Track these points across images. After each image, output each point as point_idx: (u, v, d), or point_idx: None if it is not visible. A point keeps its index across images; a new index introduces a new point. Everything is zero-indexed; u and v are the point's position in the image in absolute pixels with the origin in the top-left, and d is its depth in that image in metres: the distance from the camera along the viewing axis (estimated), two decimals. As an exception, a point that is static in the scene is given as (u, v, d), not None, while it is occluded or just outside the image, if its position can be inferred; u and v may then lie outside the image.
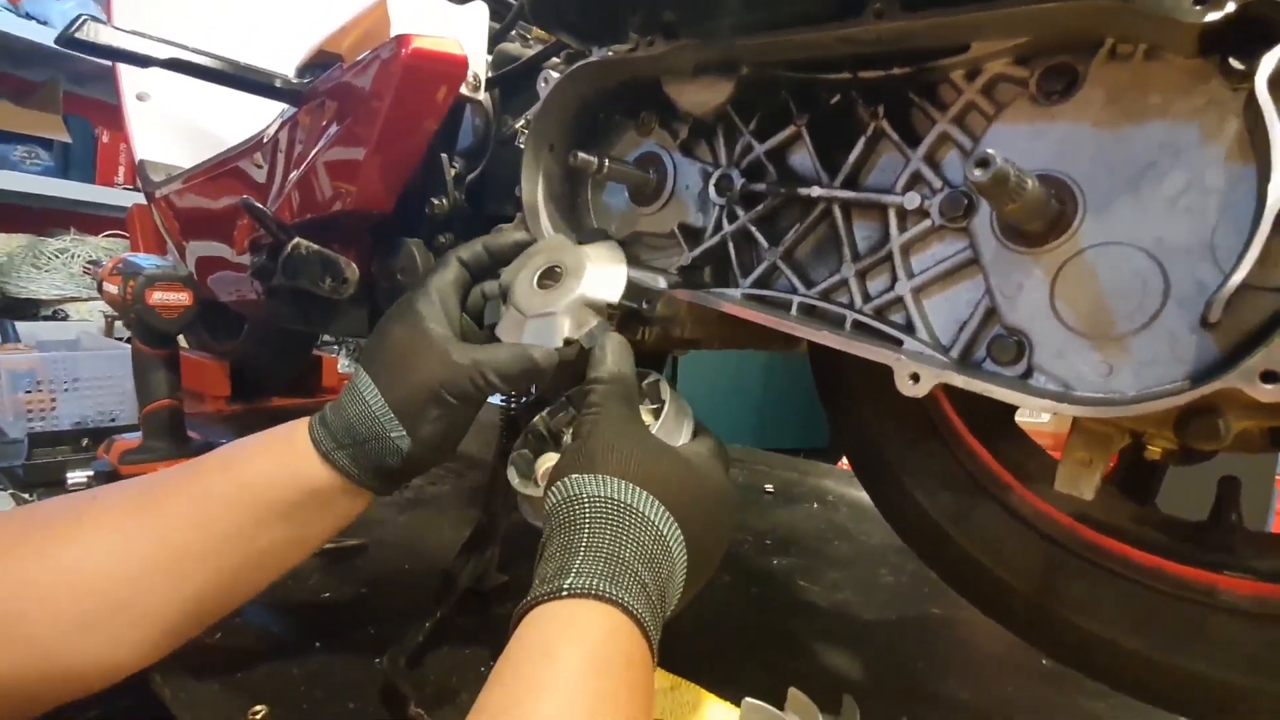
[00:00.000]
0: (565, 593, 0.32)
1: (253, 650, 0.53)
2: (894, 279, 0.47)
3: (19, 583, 0.40)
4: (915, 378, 0.41)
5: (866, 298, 0.49)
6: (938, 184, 0.45)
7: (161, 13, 1.02)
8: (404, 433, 0.46)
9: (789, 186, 0.52)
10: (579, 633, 0.31)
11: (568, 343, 0.49)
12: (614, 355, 0.47)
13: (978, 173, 0.32)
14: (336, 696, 0.48)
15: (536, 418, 0.54)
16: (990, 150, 0.32)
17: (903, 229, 0.47)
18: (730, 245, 0.55)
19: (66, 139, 2.44)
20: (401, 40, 0.53)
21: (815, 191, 0.50)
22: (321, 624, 0.58)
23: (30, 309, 2.39)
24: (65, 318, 2.45)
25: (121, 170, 2.76)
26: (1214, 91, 0.35)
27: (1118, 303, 0.38)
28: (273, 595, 0.62)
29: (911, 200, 0.45)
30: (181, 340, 0.92)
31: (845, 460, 2.19)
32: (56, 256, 2.47)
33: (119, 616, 0.41)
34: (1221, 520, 0.45)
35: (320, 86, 0.64)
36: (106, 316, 1.94)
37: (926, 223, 0.45)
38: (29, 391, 1.11)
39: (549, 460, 0.49)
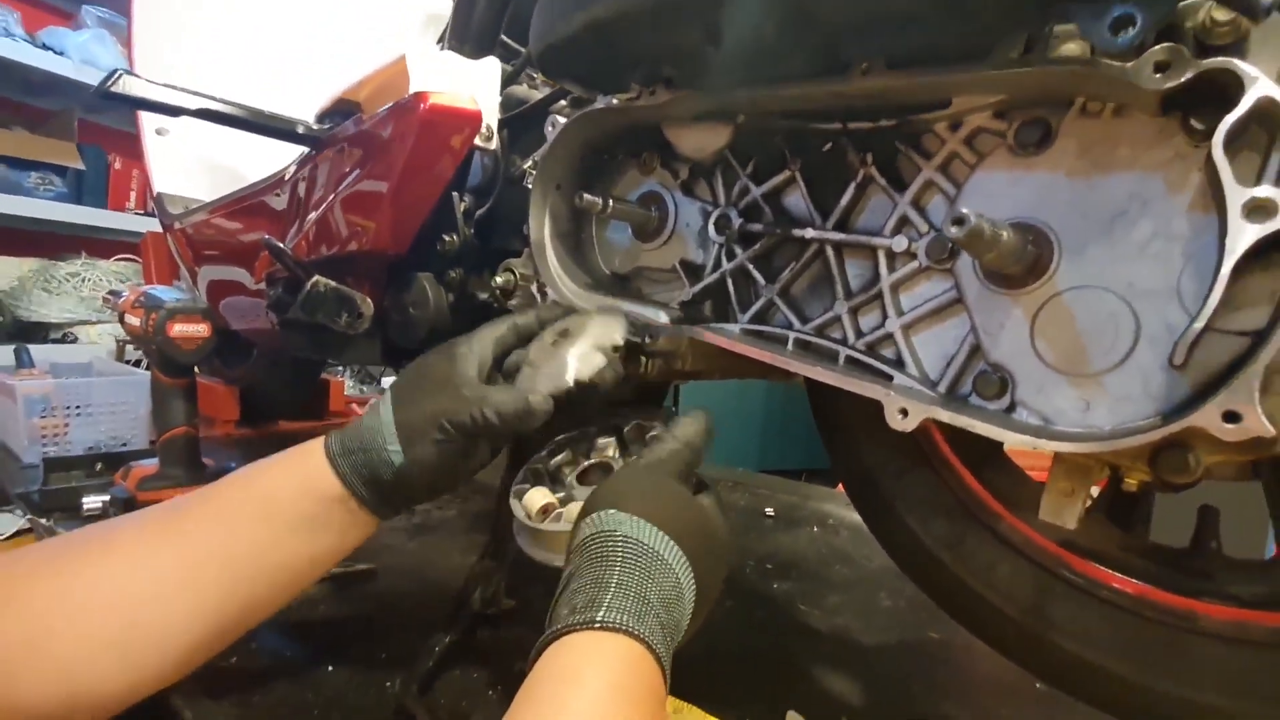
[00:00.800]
0: (597, 625, 0.34)
1: (268, 675, 0.55)
2: (884, 316, 0.50)
3: (46, 604, 0.42)
4: (904, 412, 0.44)
5: (859, 334, 0.51)
6: (924, 227, 0.48)
7: (180, 56, 1.06)
8: (399, 448, 0.48)
9: (784, 227, 0.54)
10: (607, 662, 0.33)
11: (578, 384, 0.52)
12: (694, 429, 0.50)
13: (955, 230, 0.34)
14: (349, 721, 0.50)
15: (535, 457, 0.57)
16: (965, 210, 0.34)
17: (892, 269, 0.49)
18: (729, 282, 0.58)
19: (80, 166, 2.49)
20: (420, 96, 0.57)
21: (809, 233, 0.53)
22: (334, 648, 0.59)
23: (41, 332, 2.43)
24: (75, 340, 2.48)
25: (133, 195, 2.82)
26: (1178, 147, 0.38)
27: (1093, 342, 0.41)
28: (285, 620, 0.64)
29: (899, 243, 0.48)
30: (194, 367, 0.94)
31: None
32: (67, 280, 2.51)
33: (139, 633, 0.43)
34: (1201, 547, 0.47)
35: (341, 134, 0.67)
36: (118, 341, 1.97)
37: (914, 264, 0.48)
38: (43, 416, 1.14)
39: (539, 497, 0.52)
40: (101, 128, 2.74)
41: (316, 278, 0.64)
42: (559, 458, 0.57)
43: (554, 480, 0.56)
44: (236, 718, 0.49)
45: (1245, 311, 0.35)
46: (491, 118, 0.63)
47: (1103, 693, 0.46)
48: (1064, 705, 0.55)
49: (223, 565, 0.45)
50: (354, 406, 1.60)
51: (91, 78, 2.31)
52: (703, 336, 0.56)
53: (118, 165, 2.75)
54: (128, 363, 2.04)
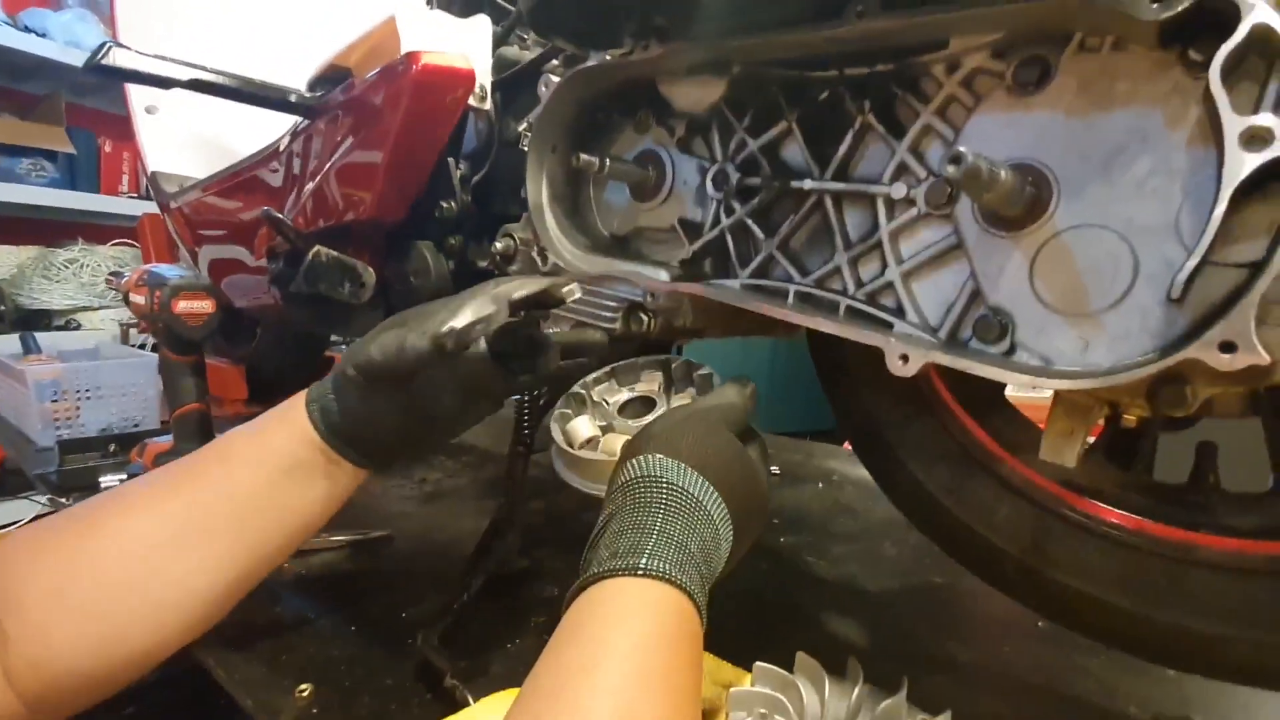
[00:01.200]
0: (640, 571, 0.35)
1: (293, 636, 0.57)
2: (884, 265, 0.50)
3: (71, 554, 0.43)
4: (905, 358, 0.44)
5: (859, 283, 0.51)
6: (922, 174, 0.47)
7: (165, 27, 1.05)
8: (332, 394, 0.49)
9: (782, 180, 0.54)
10: (651, 607, 0.34)
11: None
12: (744, 388, 0.51)
13: (951, 169, 0.34)
14: (375, 675, 0.51)
15: (580, 382, 0.57)
16: (962, 148, 0.34)
17: (891, 217, 0.49)
18: (728, 238, 0.58)
19: (71, 150, 2.47)
20: (412, 57, 0.56)
21: (807, 184, 0.52)
22: (355, 610, 0.61)
23: (43, 320, 2.43)
24: (78, 327, 2.49)
25: (125, 179, 2.80)
26: (1176, 80, 0.38)
27: (1092, 281, 0.41)
28: (306, 585, 0.66)
29: (898, 190, 0.48)
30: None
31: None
32: (66, 267, 2.51)
33: (160, 579, 0.44)
34: (1200, 482, 0.47)
35: (333, 100, 0.66)
36: (122, 325, 1.97)
37: (913, 211, 0.48)
38: (54, 400, 1.15)
39: (584, 428, 0.53)
40: (89, 110, 2.71)
41: (318, 248, 0.64)
42: (602, 386, 0.58)
43: (594, 407, 0.57)
44: (264, 674, 0.51)
45: (1243, 244, 0.35)
46: (485, 77, 0.62)
47: (1103, 625, 0.47)
48: (1063, 641, 0.57)
49: (229, 509, 0.47)
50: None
51: (76, 59, 2.28)
52: (698, 292, 0.56)
53: (108, 148, 2.72)
54: (133, 346, 2.05)
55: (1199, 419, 0.48)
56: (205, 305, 0.79)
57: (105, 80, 0.61)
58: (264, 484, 0.48)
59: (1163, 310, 0.39)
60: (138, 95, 1.13)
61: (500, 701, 0.46)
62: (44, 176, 2.43)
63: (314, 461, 0.49)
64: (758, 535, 0.45)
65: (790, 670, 0.49)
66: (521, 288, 0.52)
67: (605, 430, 0.53)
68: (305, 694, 0.49)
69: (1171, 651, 0.45)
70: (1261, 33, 0.32)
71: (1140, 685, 0.52)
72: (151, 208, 2.47)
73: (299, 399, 0.50)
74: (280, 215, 0.64)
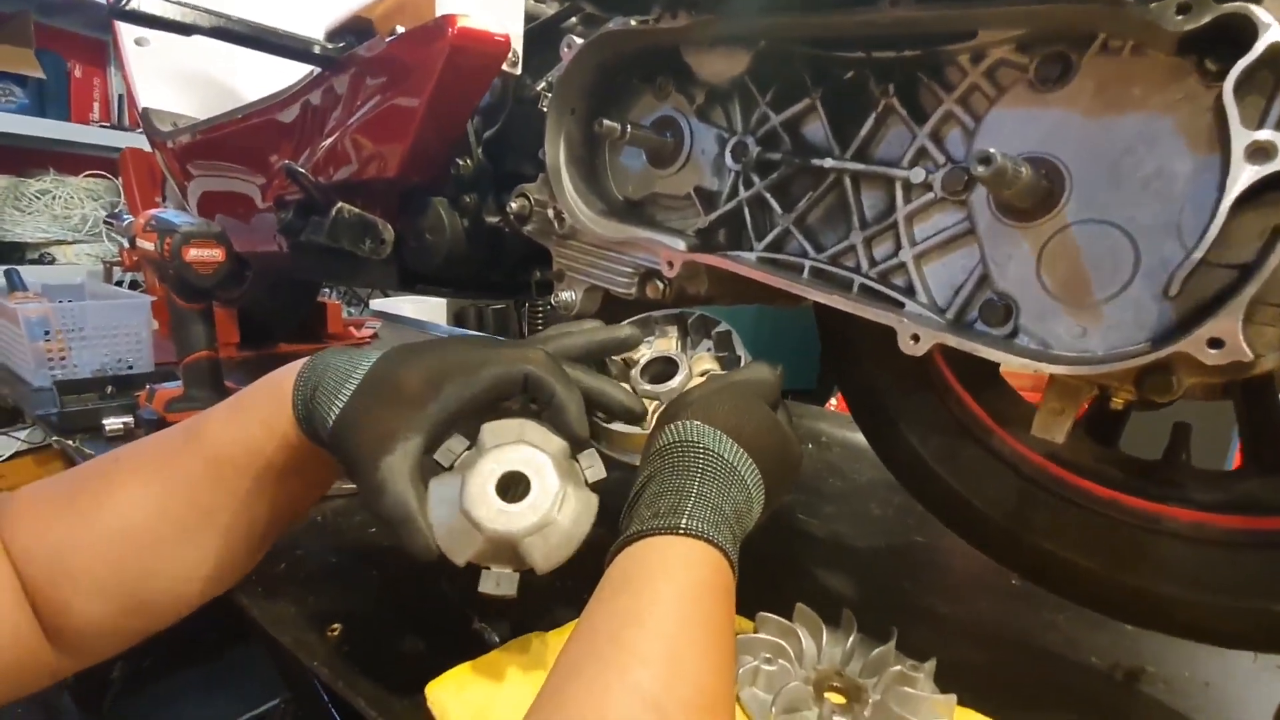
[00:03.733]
0: (681, 530, 0.37)
1: (319, 580, 0.60)
2: (898, 246, 0.52)
3: (70, 536, 0.44)
4: (916, 338, 0.47)
5: (872, 262, 0.54)
6: (941, 159, 0.49)
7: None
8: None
9: (803, 157, 0.56)
10: (694, 563, 0.37)
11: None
12: (775, 371, 0.52)
13: (981, 169, 0.37)
14: (404, 616, 0.55)
15: None
16: (990, 149, 0.36)
17: (907, 200, 0.51)
18: (746, 210, 0.60)
19: (40, 75, 2.36)
20: (449, 20, 0.55)
21: (828, 163, 0.54)
22: (376, 557, 0.64)
23: (17, 253, 2.37)
24: (52, 261, 2.43)
25: (96, 107, 2.68)
26: (1190, 88, 0.40)
27: (1094, 273, 0.44)
28: (324, 534, 0.69)
29: (917, 175, 0.50)
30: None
31: (833, 401, 2.28)
32: (38, 198, 2.42)
33: (165, 570, 0.46)
34: (1173, 460, 0.52)
35: (359, 55, 0.65)
36: (105, 263, 1.93)
37: (929, 195, 0.50)
38: (46, 339, 1.14)
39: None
40: (58, 31, 2.57)
41: (341, 204, 0.65)
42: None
43: (614, 369, 0.59)
44: (297, 615, 0.54)
45: (1236, 247, 0.38)
46: (518, 42, 0.62)
47: (1074, 586, 0.52)
48: (1033, 599, 0.62)
49: (230, 510, 0.47)
50: (351, 330, 1.62)
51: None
52: (717, 264, 0.58)
53: (78, 73, 2.60)
54: (117, 284, 2.01)
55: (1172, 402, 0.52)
56: (215, 254, 0.79)
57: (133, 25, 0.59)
58: (263, 488, 0.48)
59: (1157, 304, 0.42)
60: (126, 27, 1.09)
61: (526, 644, 0.49)
62: (12, 102, 2.33)
63: (311, 460, 0.48)
64: (787, 495, 0.48)
65: (790, 619, 0.53)
66: (580, 348, 0.52)
67: None
68: (336, 632, 0.52)
69: (1134, 610, 0.50)
70: (1275, 52, 0.34)
71: (1101, 638, 0.58)
72: (127, 140, 2.39)
73: (283, 396, 0.46)
74: (301, 169, 0.64)
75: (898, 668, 0.47)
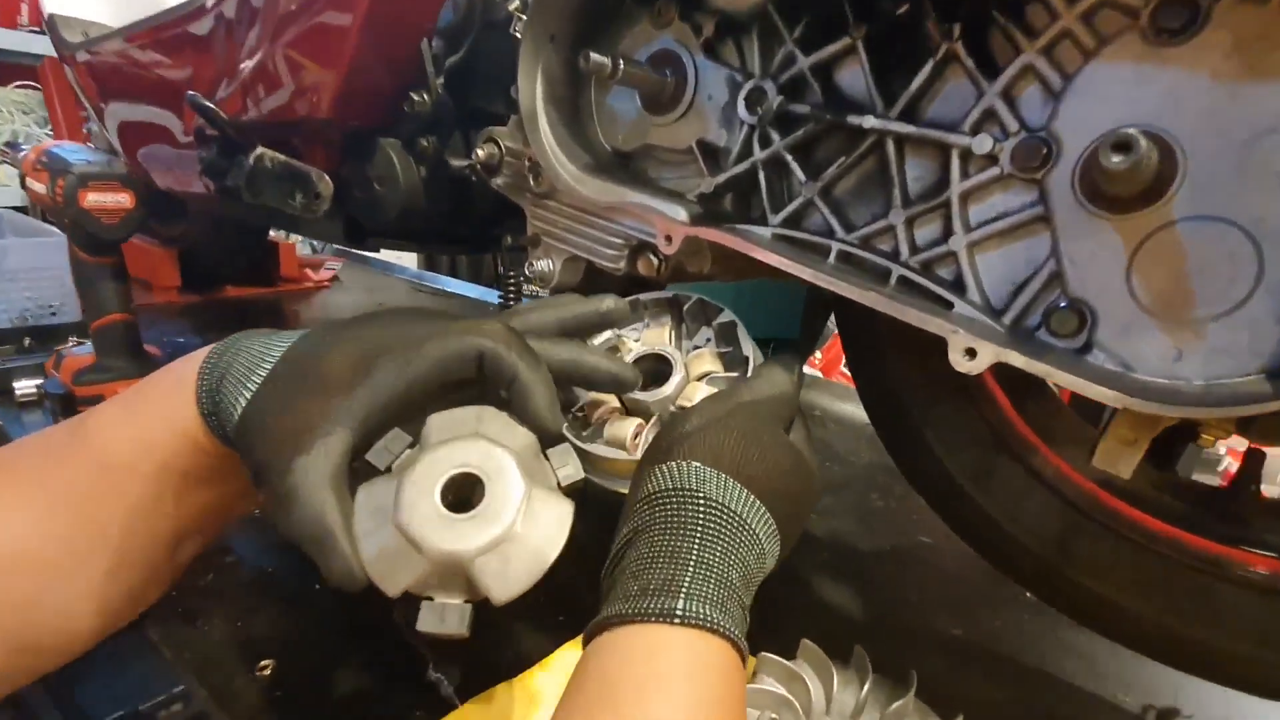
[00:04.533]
0: (678, 619, 0.29)
1: (252, 596, 0.52)
2: (947, 231, 0.43)
3: None
4: (971, 353, 0.38)
5: (914, 248, 0.44)
6: (1014, 125, 0.40)
7: None
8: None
9: (836, 111, 0.45)
10: (694, 667, 0.29)
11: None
12: (792, 372, 0.43)
13: (1116, 159, 0.27)
14: (348, 646, 0.47)
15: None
16: (1133, 131, 0.27)
17: (965, 175, 0.42)
18: (760, 174, 0.49)
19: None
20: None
21: (868, 121, 0.44)
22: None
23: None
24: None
25: (25, 10, 2.40)
26: (1367, 49, 0.30)
27: (1202, 283, 0.35)
28: (261, 533, 0.60)
29: (982, 144, 0.40)
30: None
31: (818, 355, 2.21)
32: (-43, 109, 2.19)
33: (53, 599, 0.38)
34: (1241, 491, 0.45)
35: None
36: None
37: (994, 170, 0.40)
38: (-46, 280, 1.01)
39: (626, 429, 0.45)
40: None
41: (261, 150, 0.53)
42: (601, 338, 0.50)
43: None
44: (222, 649, 0.46)
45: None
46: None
47: (1119, 630, 0.46)
48: (1049, 613, 0.56)
49: (124, 524, 0.39)
50: (308, 271, 1.48)
51: None
52: (724, 241, 0.49)
53: (-1, -36, 2.30)
54: (48, 221, 1.83)
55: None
56: (122, 199, 0.66)
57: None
58: (168, 500, 0.39)
59: (1278, 328, 0.33)
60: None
61: (490, 700, 0.42)
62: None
63: (229, 464, 0.39)
64: (800, 534, 0.40)
65: (793, 656, 0.47)
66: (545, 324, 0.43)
67: (606, 414, 0.46)
68: (267, 671, 0.45)
69: (1190, 662, 0.44)
70: None
71: (1124, 665, 0.53)
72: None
73: (187, 387, 0.38)
74: (207, 103, 0.52)
75: (920, 729, 0.41)
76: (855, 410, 1.02)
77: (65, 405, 0.72)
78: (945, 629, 0.56)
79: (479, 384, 0.38)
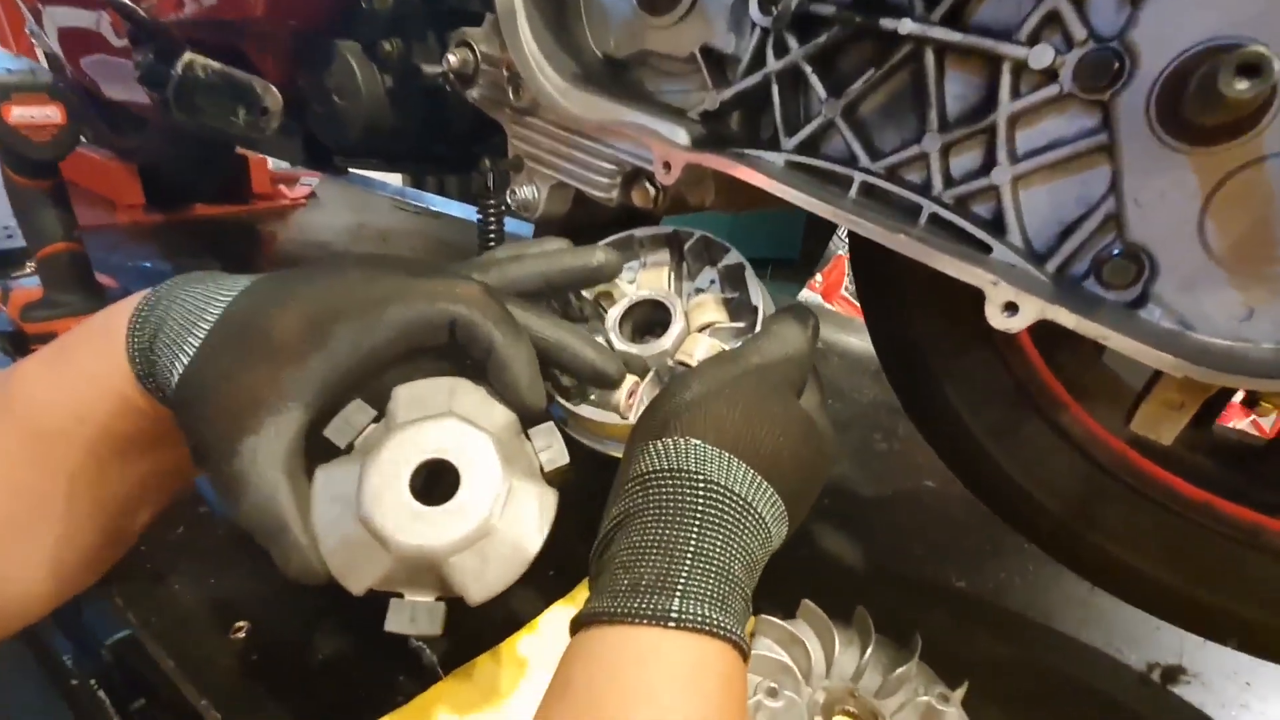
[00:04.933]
0: (673, 622, 0.26)
1: (224, 550, 0.49)
2: (990, 161, 0.37)
3: None
4: (1012, 308, 0.34)
5: (949, 181, 0.39)
6: (1081, 34, 0.33)
7: None
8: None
9: (865, 13, 0.38)
10: (693, 681, 0.26)
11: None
12: (806, 331, 0.38)
13: (1242, 85, 0.21)
14: (326, 608, 0.45)
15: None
16: (1261, 47, 0.21)
17: (1017, 94, 0.35)
18: (774, 88, 0.43)
19: None
20: None
21: (905, 26, 0.37)
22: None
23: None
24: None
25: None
26: None
27: (1290, 232, 0.30)
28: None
29: (1041, 55, 0.34)
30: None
31: (818, 277, 2.13)
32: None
33: (8, 558, 0.35)
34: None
35: None
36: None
37: (1052, 89, 0.34)
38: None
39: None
40: None
41: (190, 57, 0.45)
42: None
43: (584, 320, 0.45)
44: (193, 612, 0.44)
45: None
46: None
47: (1145, 598, 0.44)
48: (1058, 566, 0.54)
49: (65, 495, 0.35)
50: (282, 188, 1.39)
51: None
52: (730, 170, 0.43)
53: None
54: None
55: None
56: (51, 113, 0.58)
57: None
58: (109, 466, 0.35)
59: (1377, 286, 0.29)
60: None
61: (470, 673, 0.40)
62: None
63: (170, 429, 0.34)
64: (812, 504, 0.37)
65: (793, 613, 0.45)
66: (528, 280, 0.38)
67: None
68: (241, 633, 0.42)
69: (1221, 632, 0.42)
70: None
71: (1132, 622, 0.51)
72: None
73: (116, 341, 0.33)
74: (129, 2, 0.44)
75: (925, 698, 0.39)
76: (859, 342, 0.98)
77: (16, 344, 0.66)
78: (949, 582, 0.54)
79: (450, 348, 0.33)
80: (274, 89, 0.48)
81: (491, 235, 0.57)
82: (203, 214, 1.25)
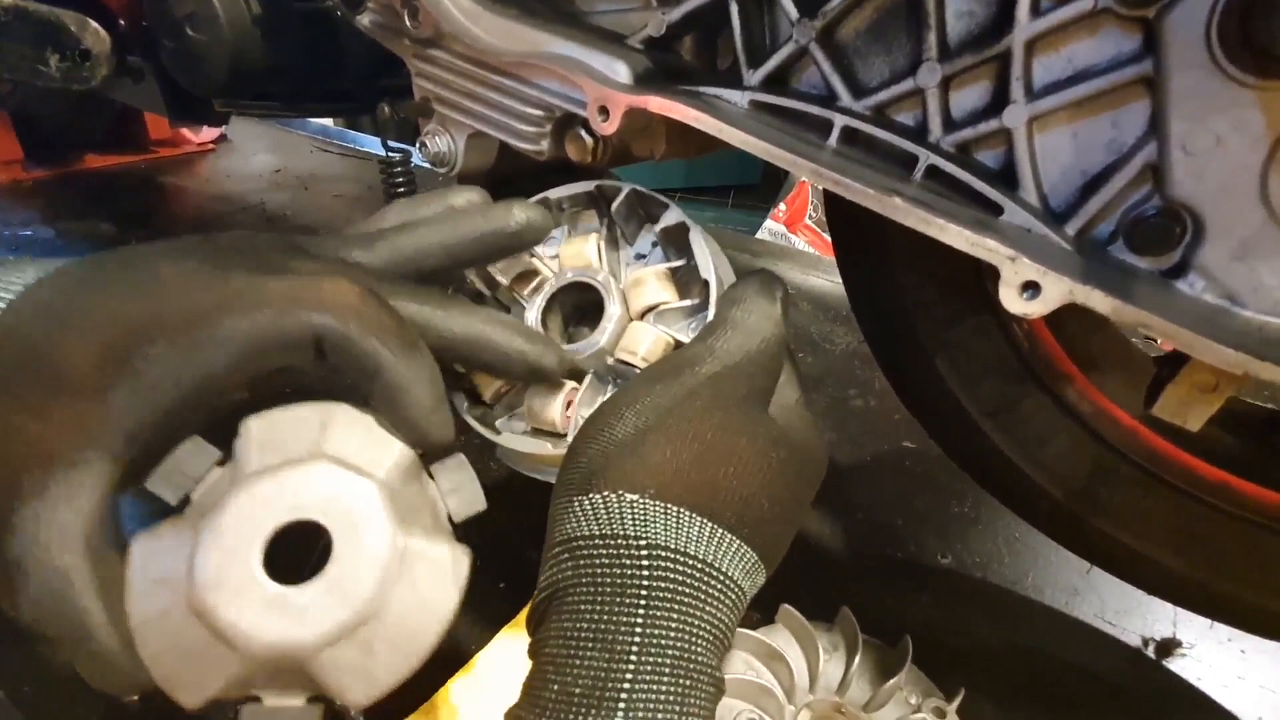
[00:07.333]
0: None
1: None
2: (1001, 98, 0.30)
3: None
4: (1032, 288, 0.28)
5: (949, 124, 0.32)
6: (1122, -69, 0.26)
7: None
8: None
9: (846, -93, 0.30)
10: None
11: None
12: (774, 309, 0.31)
13: None
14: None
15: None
16: None
17: (1037, 11, 0.28)
18: (733, 8, 0.34)
19: None
20: None
21: (896, -77, 0.29)
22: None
23: None
24: None
25: None
26: None
27: (1378, 186, 0.24)
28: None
29: (1072, -40, 0.26)
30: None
31: (783, 206, 2.04)
32: None
33: None
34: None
35: None
36: None
37: (1084, 4, 0.27)
38: None
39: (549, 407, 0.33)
40: None
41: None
42: (503, 261, 0.36)
43: (503, 308, 0.37)
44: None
45: None
46: None
47: (1153, 583, 0.40)
48: (1041, 541, 0.51)
49: None
50: (186, 132, 1.23)
51: None
52: (681, 115, 0.34)
53: None
54: None
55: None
56: None
57: None
58: None
59: None
60: None
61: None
62: None
63: None
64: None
65: (771, 618, 0.40)
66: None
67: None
68: (135, 701, 0.36)
69: (1233, 618, 0.39)
70: None
71: (1123, 593, 0.48)
72: None
73: None
74: None
75: (920, 715, 0.36)
76: (829, 284, 0.92)
77: None
78: (933, 559, 0.51)
79: (322, 367, 0.25)
80: (96, 25, 0.37)
81: (400, 189, 0.48)
82: (94, 166, 1.10)
